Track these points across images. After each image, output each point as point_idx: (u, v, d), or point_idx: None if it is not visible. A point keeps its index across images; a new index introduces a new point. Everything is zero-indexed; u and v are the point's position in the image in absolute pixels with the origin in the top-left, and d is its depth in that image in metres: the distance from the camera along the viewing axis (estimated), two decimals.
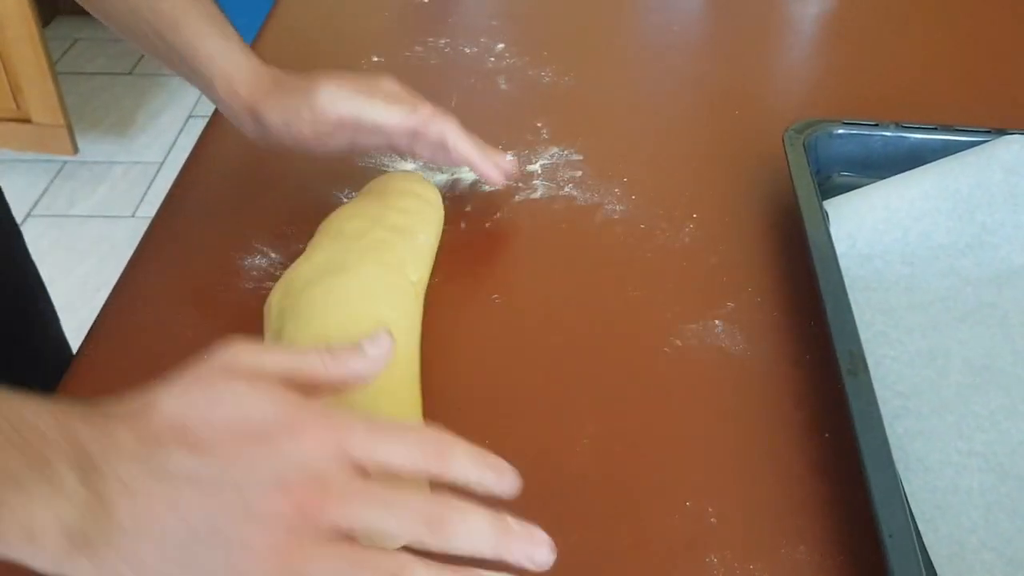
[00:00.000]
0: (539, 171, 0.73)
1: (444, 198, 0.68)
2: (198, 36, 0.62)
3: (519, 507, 0.50)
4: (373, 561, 0.36)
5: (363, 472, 0.38)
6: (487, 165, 0.65)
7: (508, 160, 0.67)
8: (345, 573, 0.36)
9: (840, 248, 0.61)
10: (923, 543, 0.48)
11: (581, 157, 0.75)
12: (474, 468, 0.40)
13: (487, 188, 0.71)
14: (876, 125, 0.70)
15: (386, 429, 0.39)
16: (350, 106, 0.61)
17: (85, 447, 0.36)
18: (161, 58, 0.64)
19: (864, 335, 0.54)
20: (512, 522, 0.39)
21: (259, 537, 0.36)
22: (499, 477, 0.40)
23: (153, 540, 0.36)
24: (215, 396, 0.38)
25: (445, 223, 0.66)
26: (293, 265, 0.59)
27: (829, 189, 0.69)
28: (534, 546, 0.39)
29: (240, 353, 0.40)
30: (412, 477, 0.39)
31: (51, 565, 0.36)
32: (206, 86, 0.64)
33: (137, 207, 2.16)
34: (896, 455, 0.48)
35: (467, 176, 0.72)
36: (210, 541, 0.36)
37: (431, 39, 0.91)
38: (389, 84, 0.64)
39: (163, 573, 0.36)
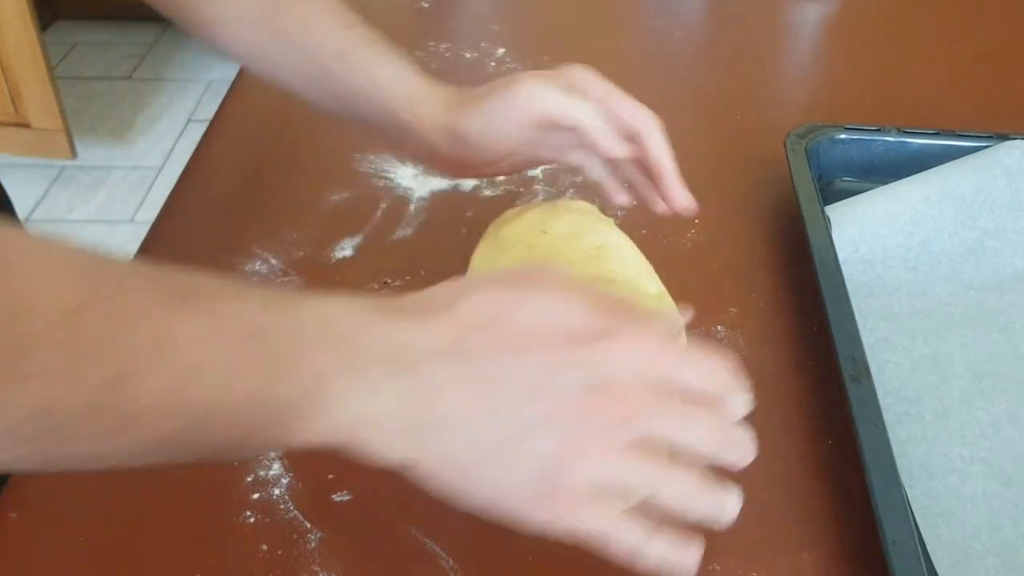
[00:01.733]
0: (540, 176, 0.73)
1: (444, 203, 0.67)
2: (376, 66, 0.58)
3: None
4: (674, 472, 0.39)
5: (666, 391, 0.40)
6: (676, 189, 0.57)
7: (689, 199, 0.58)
8: (650, 477, 0.38)
9: (842, 254, 0.61)
10: (926, 549, 0.47)
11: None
12: (742, 402, 0.42)
13: (488, 193, 0.71)
14: (878, 130, 0.70)
15: (695, 358, 0.41)
16: (560, 105, 0.55)
17: (393, 346, 0.38)
18: (333, 107, 0.61)
19: (867, 341, 0.54)
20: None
21: (550, 437, 0.37)
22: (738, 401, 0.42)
23: (473, 429, 0.38)
24: (522, 298, 0.40)
25: (446, 229, 0.65)
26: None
27: (831, 194, 0.69)
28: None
29: (551, 268, 0.43)
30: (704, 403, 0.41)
31: (386, 452, 0.38)
32: (387, 117, 0.58)
33: (136, 212, 2.16)
34: (899, 461, 0.48)
35: (468, 181, 0.72)
36: (523, 437, 0.37)
37: (432, 43, 0.91)
38: (583, 74, 0.58)
39: (477, 458, 0.38)
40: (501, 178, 0.72)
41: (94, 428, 0.33)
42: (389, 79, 0.57)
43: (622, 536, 0.39)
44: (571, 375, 0.38)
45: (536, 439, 0.38)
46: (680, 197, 0.57)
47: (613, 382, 0.38)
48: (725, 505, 0.40)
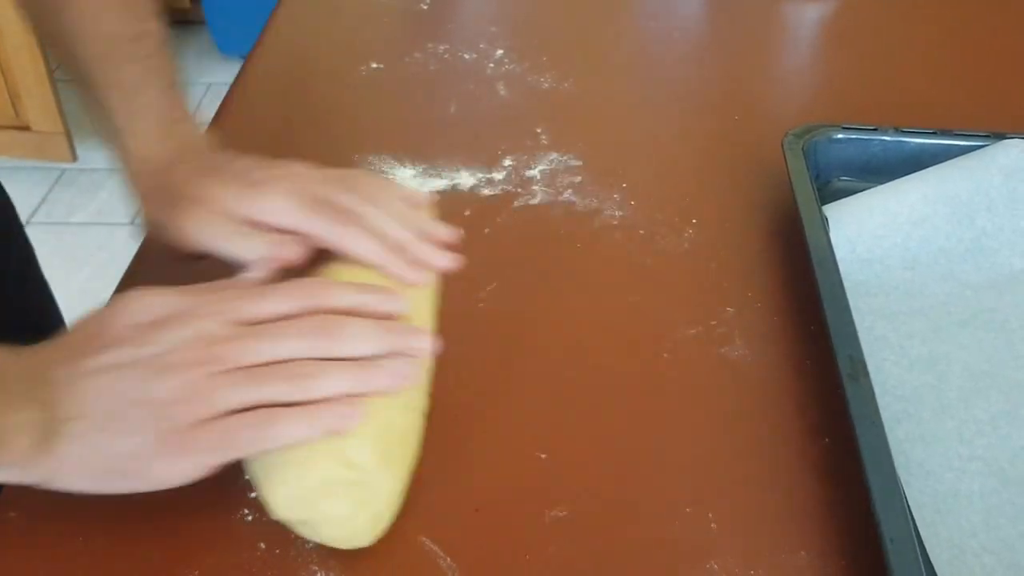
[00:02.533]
0: (538, 176, 0.73)
1: (443, 203, 0.67)
2: (115, 106, 0.57)
3: (518, 513, 0.50)
4: (272, 371, 0.44)
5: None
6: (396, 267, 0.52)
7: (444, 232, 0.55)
8: (249, 391, 0.43)
9: (840, 253, 0.61)
10: (924, 547, 0.47)
11: (580, 163, 0.75)
12: (354, 295, 0.47)
13: (487, 192, 0.71)
14: (875, 130, 0.71)
15: (266, 290, 0.47)
16: (213, 244, 0.53)
17: (25, 365, 0.44)
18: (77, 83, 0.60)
19: (864, 340, 0.54)
20: (391, 323, 0.47)
21: (176, 385, 0.43)
22: (380, 298, 0.48)
23: (92, 417, 0.43)
24: (117, 306, 0.46)
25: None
26: None
27: (829, 194, 0.69)
28: (415, 334, 0.47)
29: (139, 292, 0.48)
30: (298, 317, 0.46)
31: (17, 466, 0.43)
32: (111, 147, 0.59)
33: (136, 215, 2.16)
34: (897, 460, 0.48)
35: (466, 181, 0.72)
36: (139, 403, 0.43)
37: (430, 45, 0.91)
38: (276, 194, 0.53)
39: (107, 444, 0.43)
40: (499, 178, 0.73)
41: None
42: (127, 120, 0.57)
43: (258, 436, 0.43)
44: (157, 346, 0.44)
45: (142, 402, 0.43)
46: (433, 257, 0.53)
47: (203, 336, 0.44)
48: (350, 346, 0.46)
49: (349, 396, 0.44)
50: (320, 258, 0.53)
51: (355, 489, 0.45)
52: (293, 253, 0.51)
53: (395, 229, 0.52)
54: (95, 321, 0.46)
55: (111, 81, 0.57)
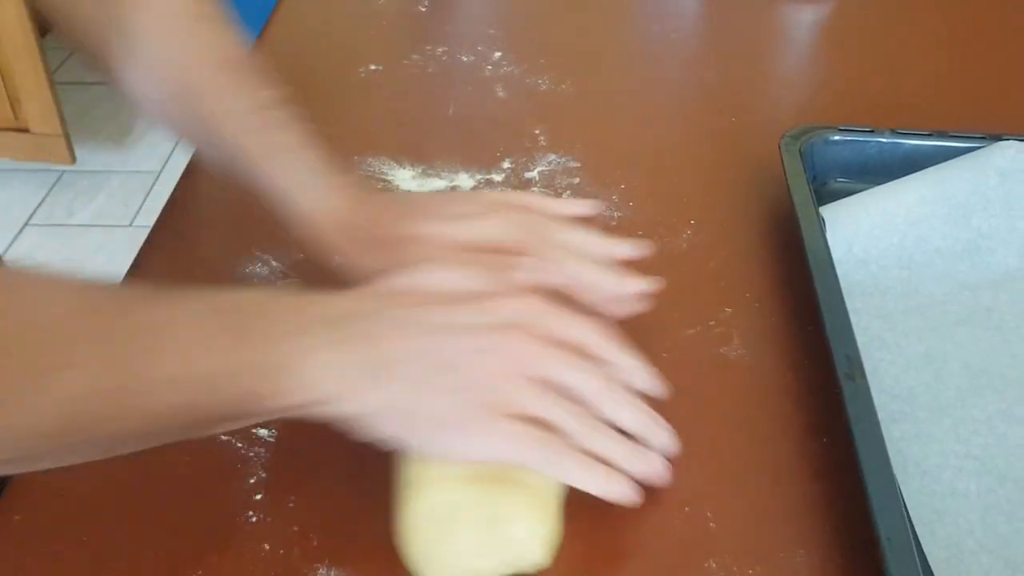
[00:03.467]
0: (537, 178, 0.74)
1: None
2: (275, 173, 0.57)
3: None
4: (568, 404, 0.46)
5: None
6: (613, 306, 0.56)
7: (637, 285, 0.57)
8: (547, 409, 0.45)
9: (837, 253, 0.62)
10: (921, 546, 0.48)
11: (579, 164, 0.75)
12: (629, 358, 0.50)
13: None
14: (872, 131, 0.71)
15: (574, 316, 0.48)
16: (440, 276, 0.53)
17: (341, 310, 0.45)
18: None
19: (861, 340, 0.54)
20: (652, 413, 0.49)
21: (494, 368, 0.45)
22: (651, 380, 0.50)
23: (420, 365, 0.44)
24: (441, 272, 0.48)
25: None
26: None
27: (825, 195, 0.69)
28: (664, 432, 0.49)
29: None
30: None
31: (343, 404, 0.44)
32: (285, 216, 0.58)
33: (135, 216, 2.16)
34: (894, 459, 0.48)
35: (465, 183, 0.73)
36: (459, 368, 0.45)
37: (429, 47, 0.91)
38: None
39: (427, 395, 0.44)
40: (498, 179, 0.73)
41: (123, 405, 0.40)
42: (297, 190, 0.57)
43: (555, 457, 0.45)
44: (480, 318, 0.46)
45: (460, 370, 0.45)
46: (630, 286, 0.56)
47: (516, 323, 0.46)
48: (651, 465, 0.48)
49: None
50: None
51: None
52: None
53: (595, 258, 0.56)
54: (408, 281, 0.48)
55: (267, 150, 0.57)
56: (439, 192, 0.60)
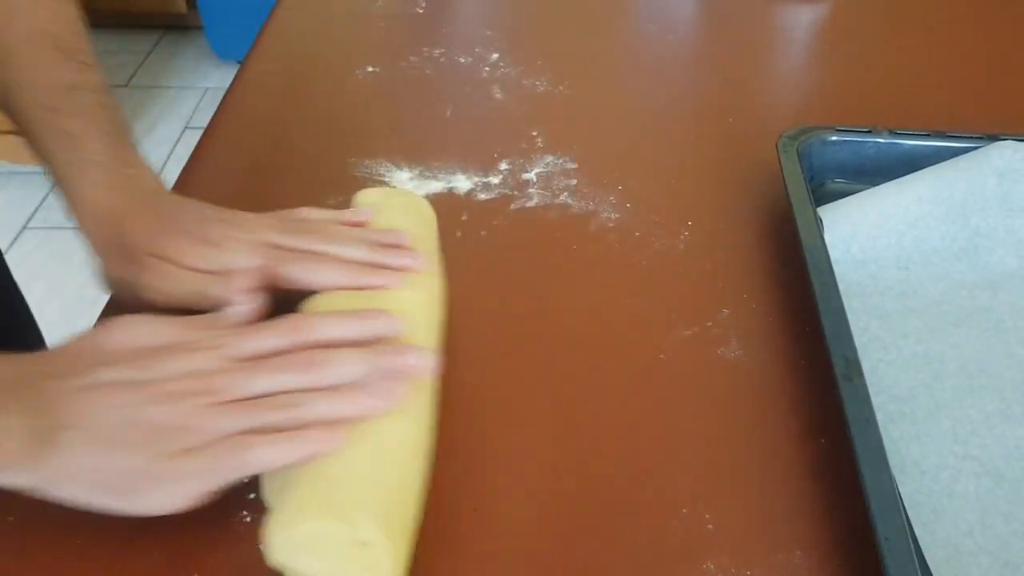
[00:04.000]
0: (534, 179, 0.74)
1: (440, 206, 0.68)
2: (58, 159, 0.57)
3: (514, 514, 0.50)
4: (261, 402, 0.45)
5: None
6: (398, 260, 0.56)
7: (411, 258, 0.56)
8: (239, 420, 0.44)
9: (834, 254, 0.62)
10: (919, 547, 0.48)
11: (576, 165, 0.75)
12: (339, 324, 0.48)
13: (483, 196, 0.71)
14: (869, 132, 0.71)
15: (256, 328, 0.48)
16: (183, 295, 0.54)
17: (19, 373, 0.45)
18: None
19: (859, 340, 0.54)
20: (380, 347, 0.48)
21: (171, 412, 0.44)
22: (366, 323, 0.49)
23: (89, 430, 0.43)
24: (113, 328, 0.47)
25: (441, 232, 0.66)
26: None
27: (823, 195, 0.69)
28: (403, 354, 0.47)
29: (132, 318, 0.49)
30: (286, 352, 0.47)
31: (12, 476, 0.43)
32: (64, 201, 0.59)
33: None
34: (892, 459, 0.48)
35: (463, 184, 0.72)
36: (135, 424, 0.44)
37: (426, 49, 0.91)
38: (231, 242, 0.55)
39: (97, 457, 0.43)
40: (496, 181, 0.73)
41: None
42: (67, 182, 0.57)
43: (247, 455, 0.44)
44: (156, 372, 0.45)
45: (137, 424, 0.44)
46: (395, 260, 0.55)
47: (200, 370, 0.45)
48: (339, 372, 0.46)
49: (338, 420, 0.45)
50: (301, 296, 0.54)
51: (358, 553, 0.43)
52: (267, 278, 0.53)
53: (351, 251, 0.55)
54: (90, 340, 0.47)
55: (54, 132, 0.57)
56: (228, 211, 0.57)
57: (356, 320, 0.49)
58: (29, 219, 2.14)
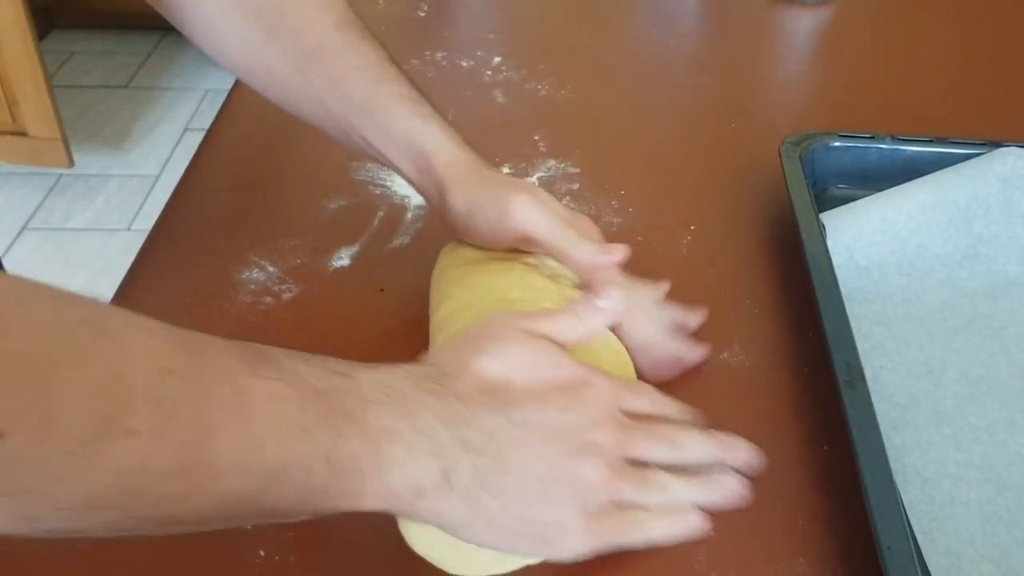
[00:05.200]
0: (536, 182, 0.74)
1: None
2: (396, 119, 0.59)
3: None
4: (645, 477, 0.45)
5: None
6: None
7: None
8: (638, 493, 0.44)
9: (837, 260, 0.62)
10: (921, 554, 0.48)
11: (578, 170, 0.75)
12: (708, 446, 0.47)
13: None
14: (872, 138, 0.71)
15: (642, 390, 0.49)
16: (541, 228, 0.55)
17: (444, 403, 0.42)
18: (342, 138, 0.62)
19: (861, 347, 0.54)
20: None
21: (591, 468, 0.43)
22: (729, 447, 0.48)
23: (521, 478, 0.42)
24: (531, 357, 0.45)
25: (442, 234, 0.65)
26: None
27: (826, 201, 0.69)
28: (738, 447, 0.47)
29: (513, 318, 0.47)
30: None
31: (427, 512, 0.41)
32: (401, 159, 0.59)
33: (133, 220, 2.16)
34: (894, 467, 0.48)
35: None
36: (565, 478, 0.43)
37: (428, 52, 0.91)
38: (585, 222, 0.58)
39: (530, 508, 0.42)
40: None
41: (176, 488, 0.35)
42: (414, 131, 0.59)
43: (657, 533, 0.44)
44: (575, 416, 0.44)
45: (566, 477, 0.43)
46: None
47: (607, 415, 0.45)
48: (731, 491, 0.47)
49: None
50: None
51: None
52: (620, 256, 0.54)
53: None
54: (493, 368, 0.44)
55: (390, 96, 0.59)
56: None
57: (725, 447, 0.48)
58: (28, 220, 2.14)
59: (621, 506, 0.44)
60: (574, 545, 0.43)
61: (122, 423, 0.32)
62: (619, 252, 0.54)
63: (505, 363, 0.44)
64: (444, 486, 0.40)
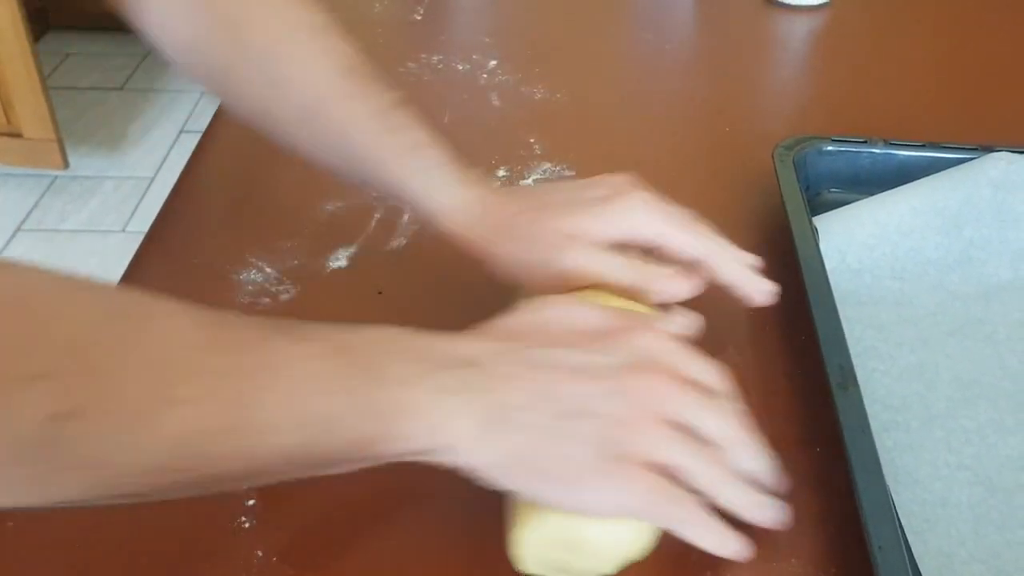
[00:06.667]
0: (532, 187, 0.74)
1: None
2: (407, 173, 0.56)
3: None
4: (701, 452, 0.43)
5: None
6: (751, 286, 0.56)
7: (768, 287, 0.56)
8: (682, 457, 0.43)
9: (830, 263, 0.62)
10: (912, 556, 0.48)
11: (573, 173, 0.75)
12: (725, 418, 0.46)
13: None
14: (865, 142, 0.71)
15: (695, 352, 0.47)
16: (604, 275, 0.53)
17: (462, 354, 0.43)
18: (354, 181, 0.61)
19: (854, 349, 0.54)
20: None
21: (628, 407, 0.43)
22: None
23: (543, 413, 0.42)
24: (563, 307, 0.47)
25: (439, 236, 0.66)
26: None
27: (819, 205, 0.70)
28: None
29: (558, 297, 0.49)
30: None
31: (463, 455, 0.42)
32: (420, 213, 0.57)
33: (128, 222, 2.16)
34: (886, 468, 0.48)
35: None
36: (588, 413, 0.42)
37: (424, 56, 0.91)
38: (632, 210, 0.55)
39: (551, 444, 0.42)
40: (496, 186, 0.73)
41: (229, 447, 0.38)
42: (430, 189, 0.56)
43: (682, 514, 0.43)
44: (609, 357, 0.44)
45: (589, 417, 0.42)
46: (757, 298, 0.56)
47: (649, 362, 0.44)
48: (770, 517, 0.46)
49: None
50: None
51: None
52: (694, 288, 0.54)
53: (732, 251, 0.56)
54: (528, 318, 0.46)
55: (398, 149, 0.57)
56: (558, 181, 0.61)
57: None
58: (23, 221, 2.14)
59: (664, 471, 0.42)
60: (586, 492, 0.42)
61: (170, 394, 0.36)
62: (693, 285, 0.54)
63: (537, 313, 0.46)
64: (460, 423, 0.41)
